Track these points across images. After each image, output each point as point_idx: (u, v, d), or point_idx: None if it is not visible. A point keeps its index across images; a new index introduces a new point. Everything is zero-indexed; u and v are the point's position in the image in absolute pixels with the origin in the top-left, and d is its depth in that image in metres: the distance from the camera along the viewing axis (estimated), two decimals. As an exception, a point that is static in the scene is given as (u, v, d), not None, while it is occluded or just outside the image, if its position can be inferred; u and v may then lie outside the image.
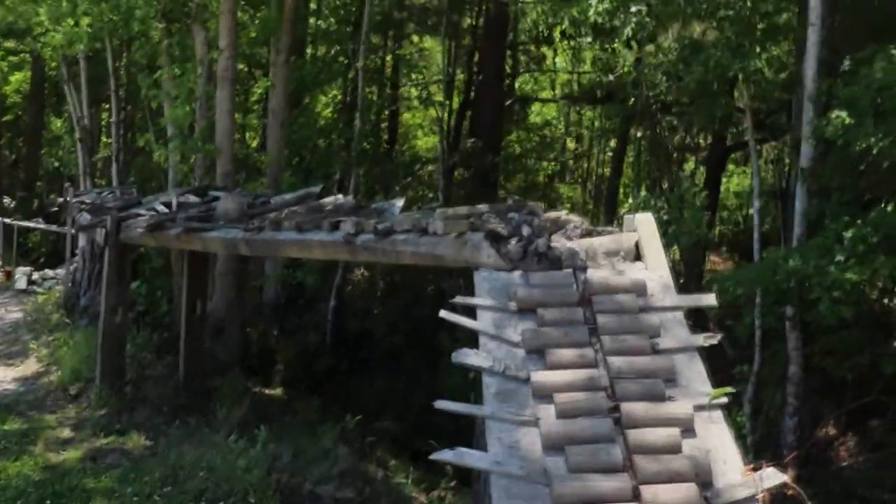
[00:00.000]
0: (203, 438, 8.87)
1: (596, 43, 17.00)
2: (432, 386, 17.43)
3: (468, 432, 15.55)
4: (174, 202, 10.26)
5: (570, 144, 31.64)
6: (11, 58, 34.38)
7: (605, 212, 18.59)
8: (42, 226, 24.30)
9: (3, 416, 9.80)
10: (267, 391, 15.08)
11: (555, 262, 5.63)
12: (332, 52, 21.29)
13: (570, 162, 29.33)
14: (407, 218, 6.35)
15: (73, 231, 15.00)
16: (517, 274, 5.55)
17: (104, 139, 24.19)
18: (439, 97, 24.73)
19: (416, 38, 26.10)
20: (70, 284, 14.77)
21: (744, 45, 10.91)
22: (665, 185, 16.61)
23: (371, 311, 18.99)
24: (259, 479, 7.35)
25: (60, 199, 15.06)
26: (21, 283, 19.05)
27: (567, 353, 4.95)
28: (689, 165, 19.50)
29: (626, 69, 14.46)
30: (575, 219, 6.29)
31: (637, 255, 5.90)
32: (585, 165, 31.83)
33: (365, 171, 17.99)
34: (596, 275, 5.53)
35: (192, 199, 10.38)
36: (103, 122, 27.94)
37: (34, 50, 22.97)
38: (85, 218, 11.32)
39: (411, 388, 17.56)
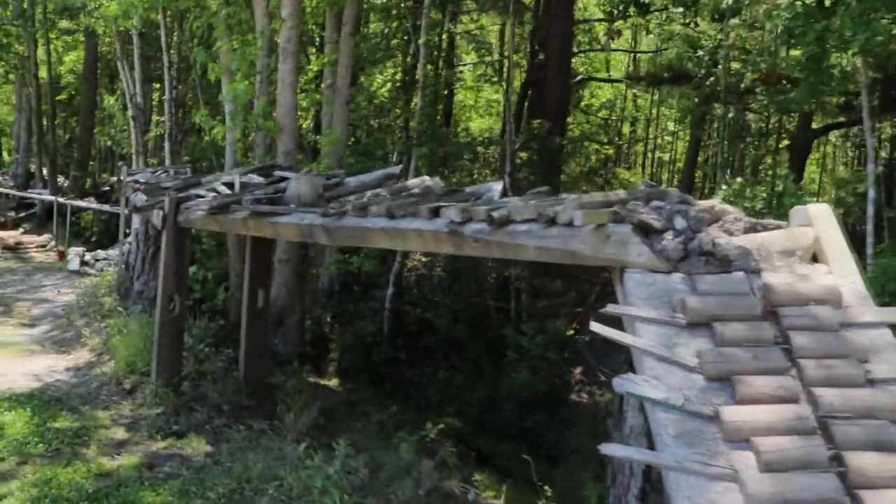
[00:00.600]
0: (270, 446, 7.86)
1: (680, 17, 15.69)
2: (496, 380, 16.38)
3: (535, 433, 14.28)
4: (237, 182, 9.21)
5: (625, 127, 30.23)
6: (66, 38, 33.91)
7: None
8: (94, 205, 23.57)
9: (54, 411, 8.89)
10: (322, 381, 14.14)
11: (724, 263, 4.45)
12: (391, 27, 20.13)
13: (625, 146, 27.83)
14: (527, 205, 5.18)
15: (126, 211, 14.11)
16: (679, 277, 4.37)
17: (155, 117, 23.41)
18: (494, 78, 23.58)
19: (473, 16, 24.93)
20: (123, 268, 13.86)
21: (868, 14, 9.54)
22: (748, 171, 15.22)
23: (431, 300, 17.88)
24: (338, 501, 6.29)
25: (114, 179, 14.12)
26: (74, 264, 18.30)
27: (761, 383, 3.78)
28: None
29: (717, 40, 13.10)
30: (732, 209, 5.08)
31: (814, 256, 4.70)
32: (643, 149, 30.43)
33: (425, 152, 16.84)
34: (776, 280, 4.33)
35: (257, 179, 9.32)
36: (154, 101, 27.26)
37: (88, 26, 22.22)
38: (140, 198, 10.34)
39: (473, 382, 16.50)
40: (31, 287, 16.32)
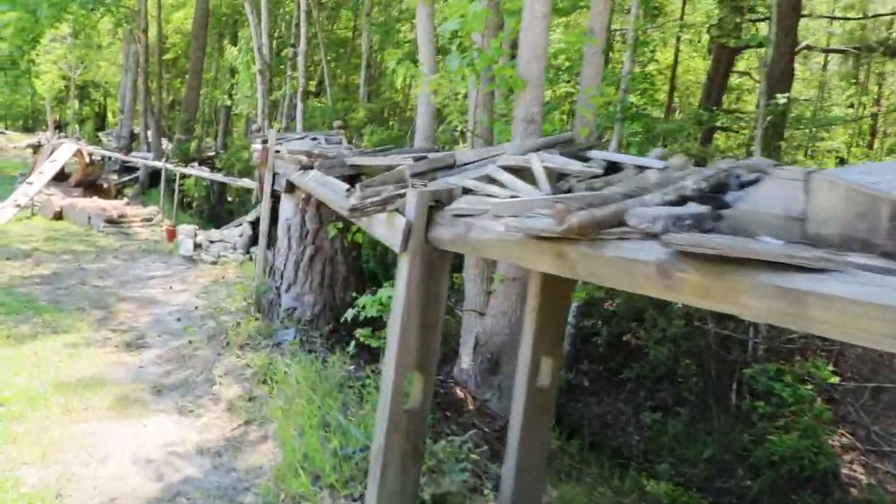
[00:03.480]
0: None
1: None
2: (726, 434, 11.58)
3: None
4: (538, 169, 4.53)
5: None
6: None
7: None
8: (206, 174, 19.26)
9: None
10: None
11: None
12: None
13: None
14: None
15: (270, 190, 9.56)
16: None
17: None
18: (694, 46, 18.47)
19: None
20: (268, 272, 9.33)
21: None
22: None
23: (635, 317, 13.07)
24: None
25: (255, 146, 9.59)
26: (186, 248, 13.99)
27: None
28: None
29: None
30: None
31: None
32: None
33: (638, 129, 11.98)
34: None
35: (573, 164, 4.62)
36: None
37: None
38: (333, 186, 5.73)
39: (695, 433, 11.73)
40: (135, 279, 12.02)
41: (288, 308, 8.56)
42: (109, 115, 43.12)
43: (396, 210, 4.48)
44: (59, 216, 17.28)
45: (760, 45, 15.53)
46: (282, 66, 20.42)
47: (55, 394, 6.97)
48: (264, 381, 7.14)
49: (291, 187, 8.40)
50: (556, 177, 4.81)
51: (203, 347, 8.36)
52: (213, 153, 27.42)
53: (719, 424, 11.70)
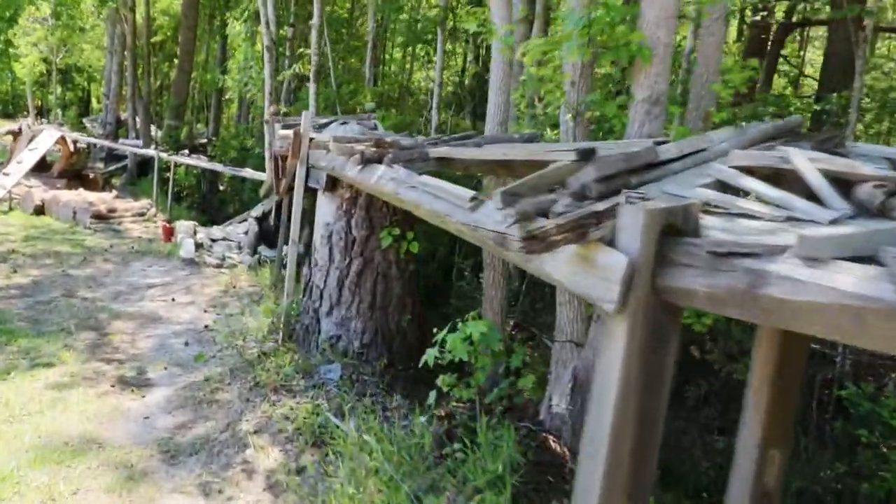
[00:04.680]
0: None
1: None
2: (811, 462, 9.89)
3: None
4: (812, 175, 2.68)
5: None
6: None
7: None
8: (204, 163, 17.19)
9: None
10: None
11: None
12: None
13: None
14: None
15: (298, 187, 7.64)
16: None
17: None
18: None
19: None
20: (304, 289, 7.39)
21: None
22: None
23: (709, 328, 11.27)
24: None
25: (281, 132, 7.66)
26: (187, 250, 11.99)
27: None
28: None
29: None
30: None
31: None
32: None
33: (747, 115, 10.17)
34: None
35: (862, 167, 2.78)
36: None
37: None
38: (436, 190, 3.86)
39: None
40: (130, 288, 10.06)
41: (330, 336, 6.68)
42: (94, 100, 40.62)
43: (600, 239, 2.64)
44: (40, 211, 15.19)
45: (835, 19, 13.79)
46: (280, 48, 18.42)
47: (33, 467, 5.07)
48: (314, 444, 5.28)
49: (333, 184, 6.52)
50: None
51: (224, 388, 6.47)
52: (204, 140, 25.29)
53: (806, 452, 10.06)
